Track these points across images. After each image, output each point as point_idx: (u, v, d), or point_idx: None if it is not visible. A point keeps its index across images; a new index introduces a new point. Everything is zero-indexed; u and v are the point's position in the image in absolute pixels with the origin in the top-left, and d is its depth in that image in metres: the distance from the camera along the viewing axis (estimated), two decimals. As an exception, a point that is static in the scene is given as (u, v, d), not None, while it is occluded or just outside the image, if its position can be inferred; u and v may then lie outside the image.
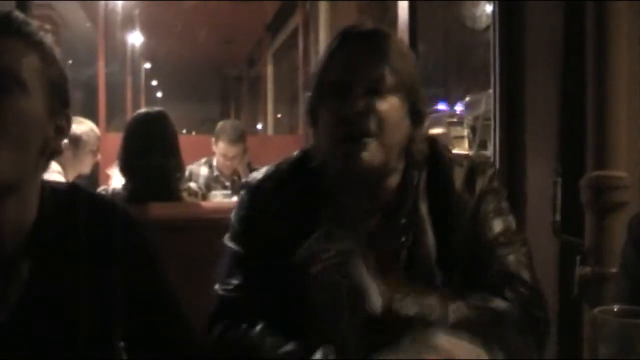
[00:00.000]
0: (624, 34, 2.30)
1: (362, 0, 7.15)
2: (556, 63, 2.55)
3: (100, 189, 3.68)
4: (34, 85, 1.29)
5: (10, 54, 1.28)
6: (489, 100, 5.22)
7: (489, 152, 5.61)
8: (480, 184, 1.61)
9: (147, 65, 15.10)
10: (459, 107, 8.06)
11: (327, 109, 1.52)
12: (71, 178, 4.00)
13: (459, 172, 1.62)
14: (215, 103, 25.76)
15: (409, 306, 1.45)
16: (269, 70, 12.31)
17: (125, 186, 3.29)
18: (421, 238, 1.57)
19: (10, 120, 1.25)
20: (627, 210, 2.28)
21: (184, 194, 3.58)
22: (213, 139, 5.03)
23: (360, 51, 1.52)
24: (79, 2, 9.19)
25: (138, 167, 3.26)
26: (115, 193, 3.26)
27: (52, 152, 1.37)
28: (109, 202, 1.52)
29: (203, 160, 5.15)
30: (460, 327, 1.39)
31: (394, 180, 1.60)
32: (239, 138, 4.96)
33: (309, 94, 1.60)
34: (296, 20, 8.51)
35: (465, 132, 7.31)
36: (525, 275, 1.56)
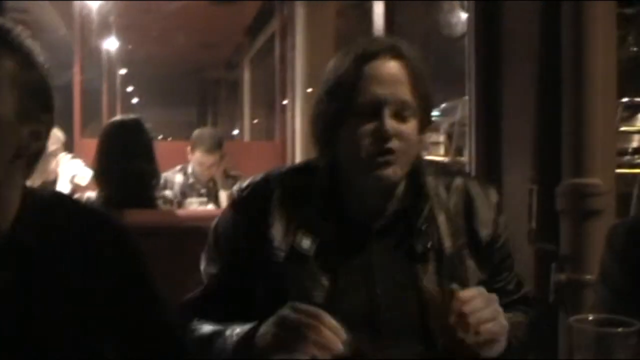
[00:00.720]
0: (600, 38, 2.32)
1: (340, 4, 7.15)
2: (532, 70, 2.56)
3: (75, 196, 3.64)
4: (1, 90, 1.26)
5: None
6: (464, 107, 5.24)
7: (464, 158, 5.63)
8: (494, 199, 1.72)
9: (123, 71, 15.01)
10: (435, 113, 8.08)
11: (357, 127, 1.55)
12: (37, 185, 3.95)
13: (472, 184, 1.72)
14: (193, 108, 25.67)
15: None
16: (246, 74, 12.28)
17: (100, 193, 3.27)
18: (442, 240, 1.63)
19: None
20: (603, 218, 2.29)
21: (159, 202, 3.55)
22: (189, 148, 4.99)
23: (389, 72, 1.57)
24: (54, 7, 9.12)
25: (113, 174, 3.23)
26: (89, 200, 3.23)
27: (30, 157, 1.34)
28: (93, 209, 1.52)
29: (178, 167, 5.12)
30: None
31: (401, 187, 1.65)
32: (216, 147, 4.93)
33: (321, 114, 1.63)
34: (274, 24, 8.50)
35: (442, 138, 7.33)
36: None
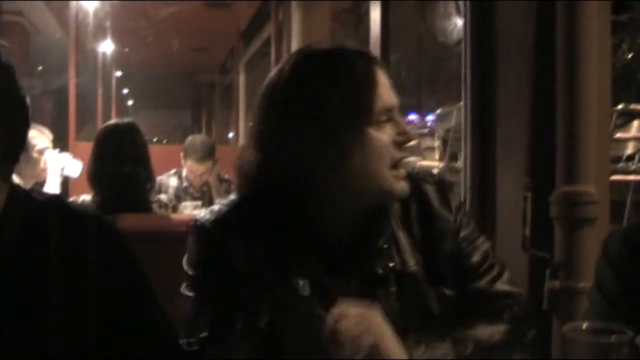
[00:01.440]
0: (594, 46, 2.32)
1: (336, 9, 7.15)
2: (527, 77, 2.57)
3: (70, 199, 3.64)
4: None
5: None
6: (459, 114, 5.25)
7: (459, 164, 5.63)
8: (453, 200, 1.62)
9: (118, 74, 15.01)
10: (430, 118, 8.07)
11: (378, 135, 1.46)
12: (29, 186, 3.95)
13: (430, 191, 1.61)
14: (187, 111, 25.66)
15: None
16: (241, 78, 12.27)
17: (94, 197, 3.27)
18: (405, 260, 1.54)
19: None
20: (597, 225, 2.29)
21: (154, 206, 3.56)
22: (182, 154, 5.02)
23: (384, 75, 1.51)
24: (50, 9, 9.11)
25: (108, 178, 3.24)
26: (84, 203, 3.23)
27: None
28: (83, 211, 1.50)
29: (172, 171, 5.14)
30: None
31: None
32: (208, 155, 4.96)
33: (330, 123, 1.46)
34: (269, 29, 8.50)
35: (436, 143, 7.33)
36: (515, 290, 1.60)
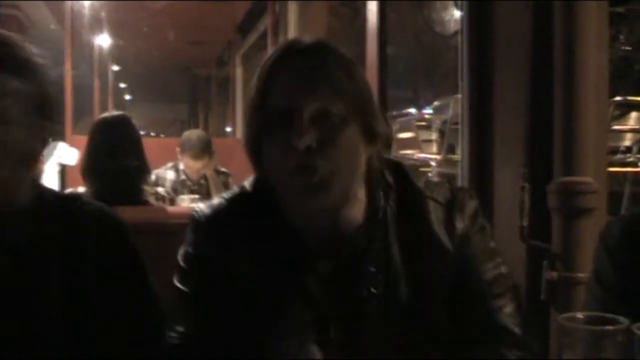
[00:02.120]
0: (592, 37, 2.32)
1: (332, 1, 7.14)
2: (525, 68, 2.56)
3: (68, 190, 3.63)
4: (13, 114, 1.38)
5: None
6: (456, 105, 5.25)
7: (456, 156, 5.64)
8: (461, 224, 1.45)
9: (115, 68, 14.99)
10: (427, 111, 8.08)
11: (272, 139, 1.36)
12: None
13: (435, 210, 1.46)
14: (184, 104, 25.63)
15: None
16: (238, 71, 12.26)
17: (88, 190, 3.26)
18: (394, 286, 1.41)
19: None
20: (594, 216, 2.29)
21: (152, 199, 3.55)
22: (178, 149, 5.02)
23: (303, 74, 1.35)
24: (45, 3, 9.08)
25: (101, 171, 3.23)
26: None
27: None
28: (94, 204, 1.60)
29: (169, 164, 5.14)
30: None
31: (357, 210, 1.43)
32: (203, 151, 4.96)
33: (246, 124, 1.43)
34: (266, 22, 8.48)
35: (434, 135, 7.34)
36: (521, 331, 1.44)
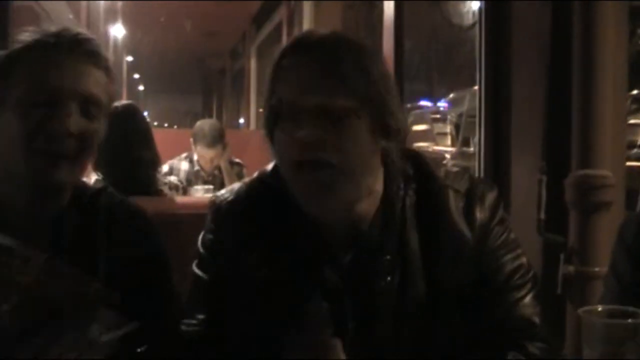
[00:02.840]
0: (611, 31, 2.30)
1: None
2: (542, 61, 2.55)
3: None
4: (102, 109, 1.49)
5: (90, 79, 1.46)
6: (472, 98, 5.23)
7: (471, 149, 5.61)
8: (481, 214, 1.43)
9: (129, 59, 15.03)
10: (442, 104, 8.06)
11: (280, 132, 1.34)
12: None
13: (455, 200, 1.43)
14: (198, 96, 25.70)
15: None
16: (252, 63, 12.27)
17: (101, 180, 3.25)
18: (411, 277, 1.39)
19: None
20: (612, 210, 2.28)
21: (165, 188, 3.55)
22: (191, 139, 5.02)
23: (309, 67, 1.33)
24: (61, -7, 9.10)
25: (114, 161, 3.22)
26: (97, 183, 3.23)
27: None
28: (127, 201, 1.64)
29: (184, 155, 5.14)
30: None
31: (371, 203, 1.41)
32: (217, 140, 4.95)
33: (263, 111, 1.41)
34: (281, 13, 8.48)
35: (448, 128, 7.32)
36: (542, 323, 1.41)
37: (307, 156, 1.29)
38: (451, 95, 7.59)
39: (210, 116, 21.12)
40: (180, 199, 3.78)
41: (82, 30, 1.52)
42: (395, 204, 1.42)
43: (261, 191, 1.48)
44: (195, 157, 5.08)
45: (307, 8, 6.68)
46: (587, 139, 2.30)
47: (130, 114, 3.36)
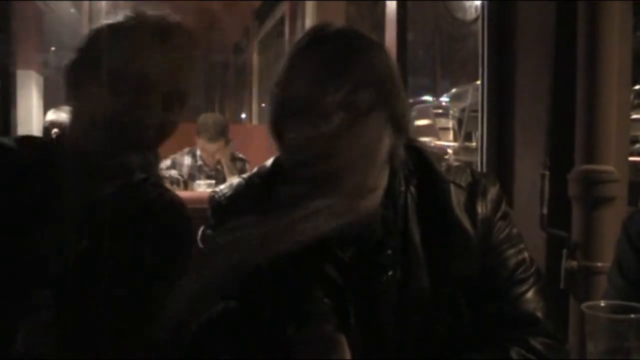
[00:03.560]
0: (615, 26, 2.29)
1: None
2: (546, 55, 2.54)
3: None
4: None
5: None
6: (475, 92, 5.22)
7: (474, 144, 5.60)
8: (483, 209, 1.43)
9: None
10: (445, 99, 8.05)
11: (294, 125, 1.33)
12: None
13: (457, 194, 1.43)
14: (201, 90, 25.66)
15: None
16: (255, 58, 12.24)
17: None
18: (414, 272, 1.39)
19: None
20: (615, 205, 2.28)
21: (166, 182, 3.55)
22: (195, 133, 5.03)
23: (327, 61, 1.33)
24: (63, -12, 9.09)
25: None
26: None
27: None
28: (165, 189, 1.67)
29: (186, 150, 5.15)
30: None
31: (377, 196, 1.39)
32: (220, 134, 4.96)
33: (270, 107, 1.41)
34: (284, 8, 8.47)
35: (451, 123, 7.31)
36: (545, 318, 1.41)
37: (327, 149, 1.29)
38: (454, 90, 7.58)
39: (213, 110, 21.12)
40: (182, 193, 3.78)
41: (180, 20, 1.56)
42: (397, 199, 1.42)
43: (260, 185, 1.47)
44: (199, 153, 5.09)
45: (309, 3, 6.66)
46: (590, 134, 2.29)
47: None
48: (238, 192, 1.50)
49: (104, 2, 9.10)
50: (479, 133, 3.08)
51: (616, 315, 1.11)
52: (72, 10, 9.03)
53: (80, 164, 1.48)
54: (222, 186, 1.55)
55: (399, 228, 1.41)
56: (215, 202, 1.50)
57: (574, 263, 2.29)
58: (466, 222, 1.42)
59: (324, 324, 1.29)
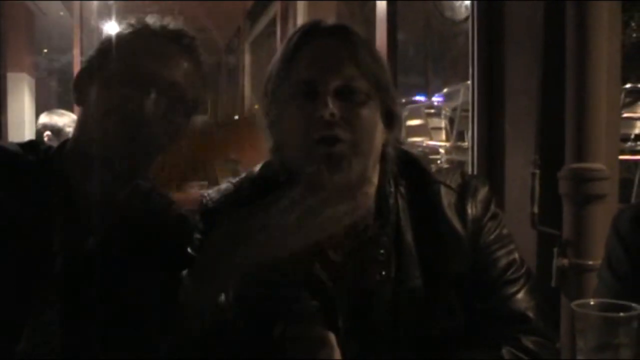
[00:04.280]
0: (605, 24, 2.30)
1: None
2: (536, 54, 2.55)
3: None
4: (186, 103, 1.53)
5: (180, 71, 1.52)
6: (467, 92, 5.23)
7: (466, 143, 5.61)
8: (473, 210, 1.45)
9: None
10: (436, 98, 8.06)
11: (295, 111, 1.36)
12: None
13: (447, 196, 1.45)
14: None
15: None
16: (247, 59, 12.23)
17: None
18: (407, 271, 1.40)
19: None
20: (606, 202, 2.28)
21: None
22: None
23: (329, 48, 1.39)
24: (54, -10, 9.06)
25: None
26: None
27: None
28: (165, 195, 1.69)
29: (178, 151, 5.14)
30: None
31: (369, 195, 1.41)
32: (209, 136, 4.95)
33: (265, 98, 1.45)
34: (275, 9, 8.47)
35: (443, 123, 7.31)
36: (536, 317, 1.42)
37: (328, 133, 1.33)
38: (445, 90, 7.58)
39: (205, 111, 21.05)
40: (174, 195, 3.77)
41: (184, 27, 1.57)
42: (388, 198, 1.44)
43: (249, 189, 1.49)
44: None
45: (301, 3, 6.66)
46: (580, 132, 2.29)
47: None
48: (227, 197, 1.50)
49: (95, 4, 9.09)
50: (469, 132, 3.09)
51: (606, 314, 1.11)
52: (62, 13, 9.02)
53: (87, 170, 1.48)
54: (210, 190, 1.55)
55: (392, 226, 1.42)
56: (203, 206, 1.51)
57: (565, 261, 2.29)
58: (457, 223, 1.43)
59: (311, 324, 1.29)
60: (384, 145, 1.44)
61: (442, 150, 6.80)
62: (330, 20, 1.48)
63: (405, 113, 7.68)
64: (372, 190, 1.43)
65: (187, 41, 1.55)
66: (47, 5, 9.18)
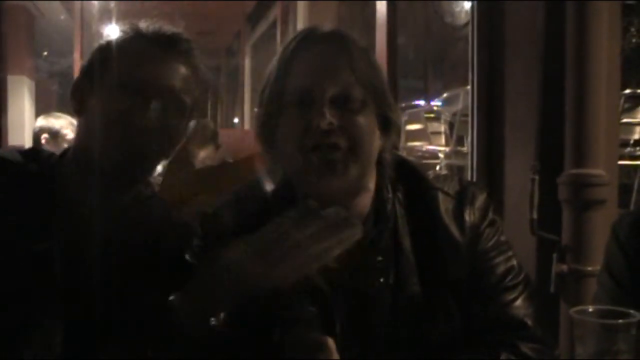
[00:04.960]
0: (604, 29, 2.30)
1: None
2: (536, 59, 2.55)
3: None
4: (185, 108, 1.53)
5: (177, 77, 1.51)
6: (466, 96, 5.23)
7: (465, 148, 5.61)
8: (471, 217, 1.44)
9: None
10: (436, 103, 8.05)
11: (291, 119, 1.37)
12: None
13: (445, 203, 1.45)
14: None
15: None
16: (247, 62, 12.24)
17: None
18: (405, 278, 1.40)
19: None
20: (605, 208, 2.28)
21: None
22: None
23: (325, 56, 1.39)
24: (55, -8, 9.08)
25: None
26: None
27: None
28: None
29: (176, 154, 5.12)
30: None
31: (366, 200, 1.43)
32: (209, 140, 4.94)
33: (260, 107, 1.44)
34: (275, 12, 8.48)
35: (442, 128, 7.30)
36: (534, 324, 1.42)
37: (324, 140, 1.33)
38: (444, 95, 7.58)
39: (205, 115, 21.05)
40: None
41: (180, 30, 1.57)
42: (385, 205, 1.44)
43: (249, 198, 1.49)
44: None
45: (301, 6, 6.67)
46: (580, 138, 2.30)
47: None
48: (226, 205, 1.50)
49: (95, 7, 9.10)
50: (469, 137, 3.09)
51: (604, 320, 1.11)
52: (62, 17, 9.03)
53: (89, 177, 1.48)
54: (210, 199, 1.58)
55: (390, 233, 1.42)
56: (203, 215, 1.52)
57: (564, 267, 2.29)
58: (454, 230, 1.43)
59: (310, 329, 1.29)
60: (381, 152, 1.44)
61: (441, 155, 6.80)
62: (330, 23, 1.48)
63: (404, 118, 7.67)
64: (369, 196, 1.44)
65: (182, 45, 1.54)
66: (47, 8, 9.20)
